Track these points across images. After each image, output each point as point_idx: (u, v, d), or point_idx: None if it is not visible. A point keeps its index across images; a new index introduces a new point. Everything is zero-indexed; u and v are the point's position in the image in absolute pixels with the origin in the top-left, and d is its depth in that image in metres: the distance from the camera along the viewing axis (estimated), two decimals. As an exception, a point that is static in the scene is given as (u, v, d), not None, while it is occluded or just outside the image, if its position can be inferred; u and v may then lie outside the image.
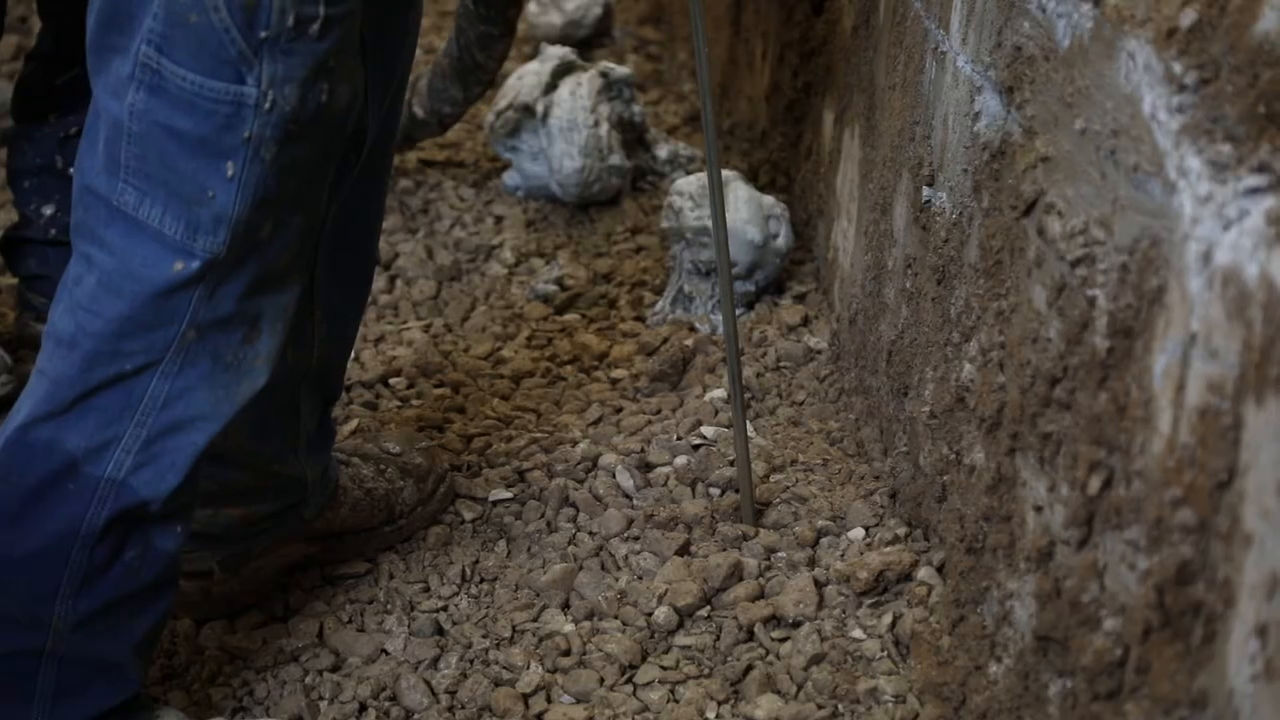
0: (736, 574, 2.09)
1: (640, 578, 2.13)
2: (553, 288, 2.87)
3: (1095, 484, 1.50)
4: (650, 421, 2.45)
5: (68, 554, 1.71)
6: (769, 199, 2.77)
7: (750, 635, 2.02)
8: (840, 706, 1.90)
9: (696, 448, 2.35)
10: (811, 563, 2.12)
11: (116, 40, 1.64)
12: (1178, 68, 1.35)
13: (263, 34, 1.60)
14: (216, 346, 1.71)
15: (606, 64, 3.21)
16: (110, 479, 1.70)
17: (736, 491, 2.25)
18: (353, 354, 2.69)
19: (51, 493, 1.71)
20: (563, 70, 3.15)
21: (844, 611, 2.03)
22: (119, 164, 1.65)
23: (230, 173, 1.64)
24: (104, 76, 1.67)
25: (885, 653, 1.96)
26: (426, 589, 2.15)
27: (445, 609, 2.11)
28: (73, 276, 1.71)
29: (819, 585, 2.06)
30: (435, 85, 3.06)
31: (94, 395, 1.69)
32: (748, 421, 2.43)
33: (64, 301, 1.72)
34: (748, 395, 2.49)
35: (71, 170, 1.83)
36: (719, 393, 2.49)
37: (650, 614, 2.05)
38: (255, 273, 1.70)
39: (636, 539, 2.20)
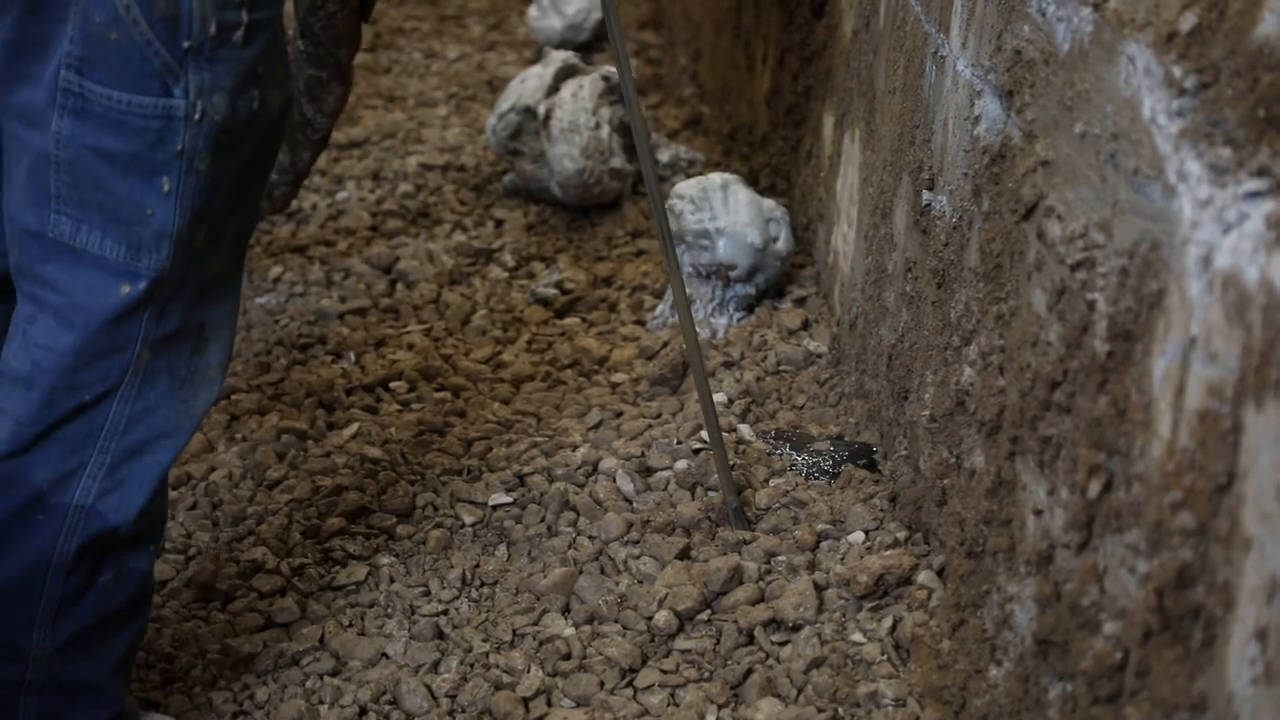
0: (736, 578, 2.09)
1: (640, 581, 2.13)
2: (553, 291, 2.87)
3: (1095, 487, 1.50)
4: (650, 425, 2.45)
5: (42, 583, 1.71)
6: (769, 202, 2.77)
7: (750, 639, 2.02)
8: (840, 710, 1.90)
9: (697, 452, 2.35)
10: (811, 566, 2.12)
11: (27, 69, 1.60)
12: (1178, 71, 1.36)
13: (186, 44, 1.58)
14: (170, 363, 1.71)
15: (608, 68, 3.22)
16: (78, 506, 1.70)
17: (736, 494, 2.25)
18: (354, 357, 2.69)
19: (21, 525, 1.70)
20: (565, 74, 3.15)
21: (844, 615, 2.03)
22: (49, 195, 1.62)
23: (166, 188, 1.62)
24: (15, 108, 1.63)
25: (885, 656, 1.96)
26: (427, 593, 2.15)
27: (446, 613, 2.11)
28: (24, 315, 1.69)
29: (819, 589, 2.06)
30: None
31: (57, 429, 1.69)
32: (747, 425, 2.43)
33: (17, 339, 1.70)
34: (748, 399, 2.49)
35: None
36: (719, 396, 2.49)
37: (650, 618, 2.05)
38: (197, 284, 1.70)
39: (636, 543, 2.20)
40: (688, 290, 2.74)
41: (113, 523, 1.71)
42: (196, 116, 1.60)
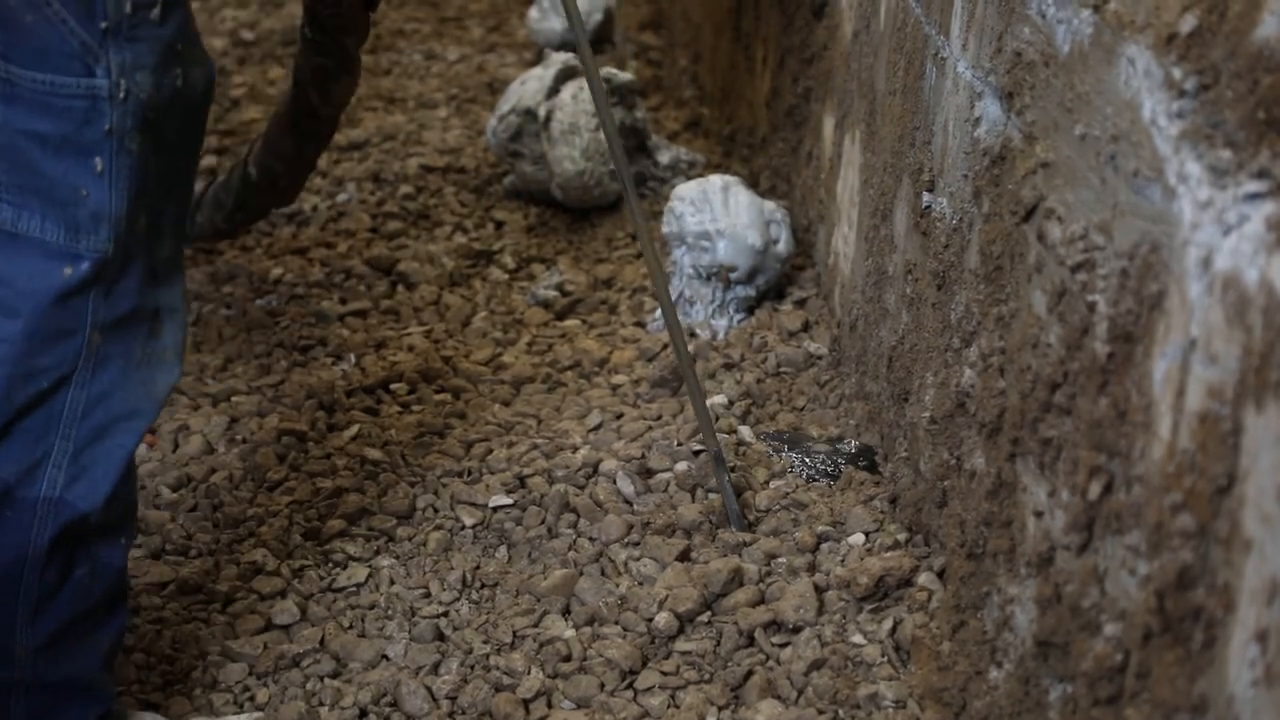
0: (737, 579, 2.09)
1: (641, 583, 2.13)
2: (553, 293, 2.87)
3: (1095, 489, 1.50)
4: (650, 427, 2.45)
5: (19, 580, 1.71)
6: (770, 204, 2.77)
7: (750, 641, 2.02)
8: (841, 712, 1.90)
9: (697, 453, 2.35)
10: (812, 568, 2.12)
11: None
12: (1178, 73, 1.36)
13: (103, 24, 1.60)
14: (125, 346, 1.71)
15: (609, 69, 3.22)
16: (46, 498, 1.70)
17: (735, 496, 2.25)
18: (354, 359, 2.69)
19: None
20: (565, 75, 3.15)
21: (844, 617, 2.03)
22: None
23: (99, 168, 1.64)
24: None
25: (885, 658, 1.96)
26: (427, 595, 2.15)
27: (446, 614, 2.11)
28: None
29: (819, 591, 2.06)
30: (271, 136, 2.70)
31: (18, 420, 1.69)
32: (748, 427, 2.43)
33: None
34: (748, 401, 2.49)
35: None
36: (720, 398, 2.49)
37: (651, 619, 2.05)
38: (147, 267, 1.71)
39: (637, 545, 2.20)
40: (688, 292, 2.74)
41: (82, 510, 1.71)
42: (121, 95, 1.62)
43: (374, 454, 2.42)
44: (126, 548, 1.79)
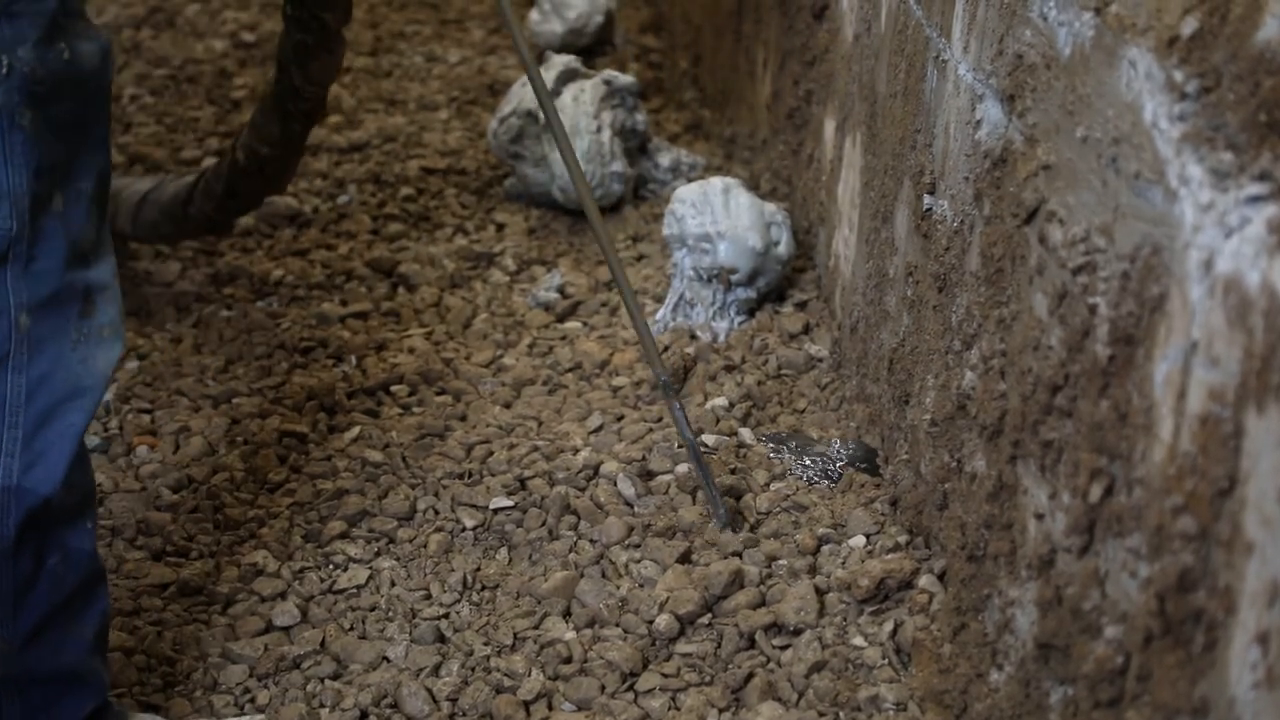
0: (737, 581, 2.09)
1: (641, 585, 2.13)
2: (554, 295, 2.87)
3: (1096, 491, 1.50)
4: (651, 429, 2.45)
5: None
6: (770, 206, 2.77)
7: (751, 643, 2.02)
8: (841, 714, 1.90)
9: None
10: (812, 570, 2.12)
11: None
12: (1179, 76, 1.36)
13: None
14: (56, 327, 1.72)
15: (610, 72, 3.22)
16: (5, 487, 1.70)
17: (728, 496, 2.25)
18: (355, 360, 2.69)
19: None
20: (566, 77, 3.15)
21: (845, 619, 2.03)
22: None
23: None
24: None
25: (886, 660, 1.96)
26: (428, 596, 2.15)
27: (447, 616, 2.11)
28: None
29: (820, 593, 2.06)
30: (256, 120, 2.67)
31: None
32: (748, 429, 2.43)
33: None
34: (749, 403, 2.49)
35: None
36: (720, 400, 2.50)
37: (651, 621, 2.05)
38: (65, 246, 1.71)
39: (637, 546, 2.20)
40: (689, 294, 2.74)
41: (43, 494, 1.71)
42: (4, 71, 1.63)
43: (375, 456, 2.42)
44: (93, 531, 1.79)
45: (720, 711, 1.92)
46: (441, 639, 2.08)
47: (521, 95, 3.15)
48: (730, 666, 1.99)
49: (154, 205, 2.81)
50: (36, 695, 1.77)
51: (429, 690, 1.98)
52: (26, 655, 1.75)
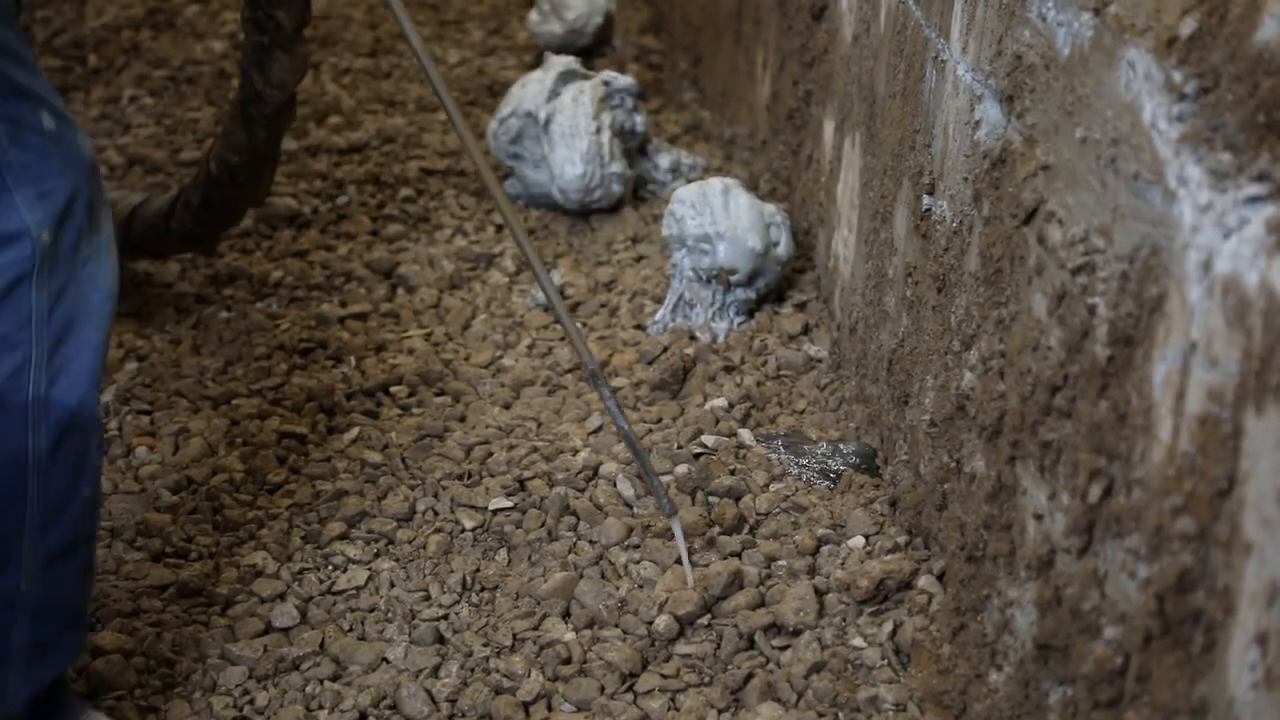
0: (737, 582, 2.09)
1: (640, 586, 2.13)
2: (554, 296, 2.87)
3: (1096, 492, 1.50)
4: (650, 430, 2.45)
5: (23, 487, 1.73)
6: (770, 207, 2.77)
7: (751, 644, 2.02)
8: (841, 715, 1.90)
9: (697, 456, 2.35)
10: (812, 571, 2.12)
11: None
12: (1178, 76, 1.36)
13: None
14: (70, 243, 1.75)
15: (609, 73, 3.22)
16: (35, 400, 1.73)
17: (727, 497, 2.25)
18: (354, 362, 2.69)
19: None
20: (566, 78, 3.15)
21: (844, 620, 2.03)
22: None
23: None
24: None
25: (886, 661, 1.96)
26: (427, 597, 2.15)
27: (446, 617, 2.11)
28: None
29: (819, 593, 2.06)
30: (226, 128, 2.64)
31: None
32: (748, 430, 2.43)
33: None
34: (748, 404, 2.49)
35: None
36: (720, 401, 2.50)
37: (651, 622, 2.05)
38: (61, 163, 1.74)
39: (637, 547, 2.20)
40: (688, 295, 2.74)
41: (71, 406, 1.74)
42: None
43: (374, 457, 2.42)
44: (102, 462, 1.83)
45: (720, 712, 1.92)
46: (441, 640, 2.08)
47: (521, 96, 3.15)
48: (730, 667, 1.99)
49: (141, 220, 2.80)
50: (49, 627, 1.78)
51: (428, 691, 1.98)
52: (47, 576, 1.76)
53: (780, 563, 2.14)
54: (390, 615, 2.12)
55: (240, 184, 2.68)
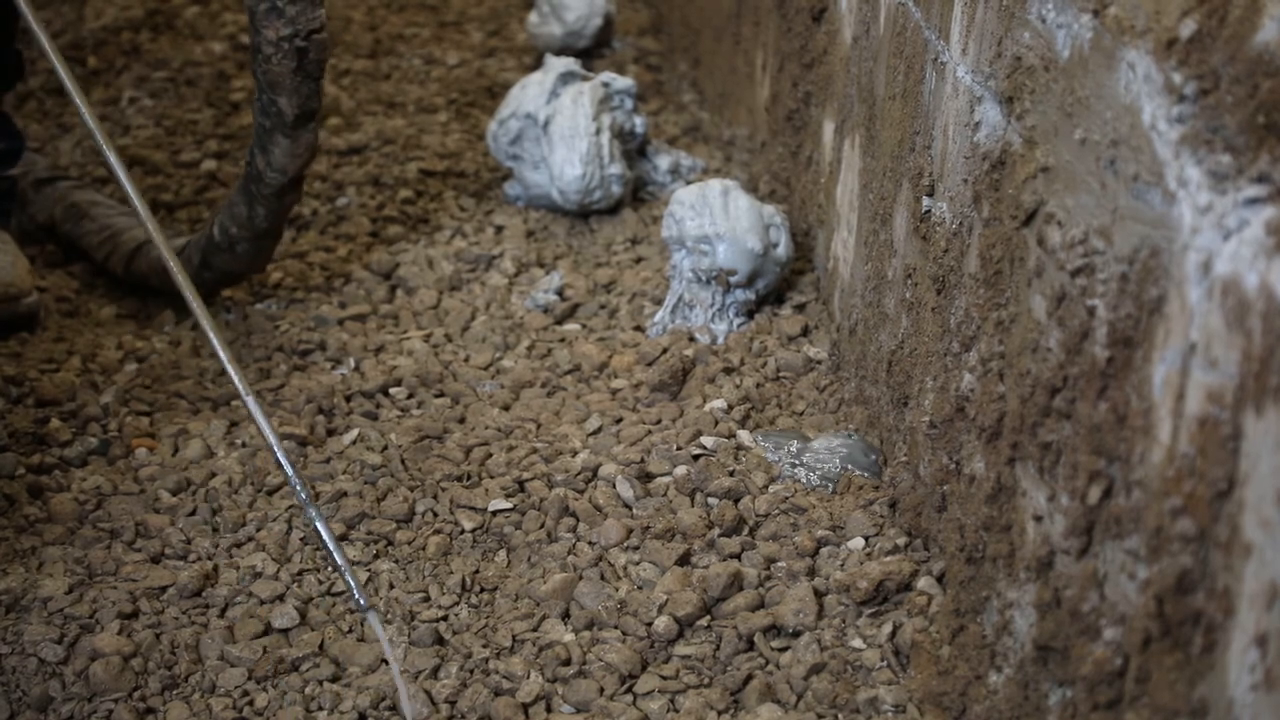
0: (736, 584, 2.09)
1: (640, 587, 2.13)
2: (553, 298, 2.87)
3: (1095, 493, 1.50)
4: (650, 431, 2.45)
5: None
6: (769, 208, 2.77)
7: (750, 645, 2.02)
8: (840, 716, 1.90)
9: (696, 458, 2.35)
10: (811, 572, 2.12)
11: None
12: (1177, 78, 1.36)
13: None
14: None
15: (609, 74, 3.22)
16: None
17: (726, 499, 2.25)
18: (353, 363, 2.69)
19: None
20: (565, 80, 3.15)
21: (844, 621, 2.03)
22: None
23: None
24: None
25: (885, 662, 1.96)
26: (426, 598, 2.15)
27: (445, 618, 2.11)
28: None
29: (819, 595, 2.06)
30: (231, 197, 2.69)
31: None
32: (747, 431, 2.43)
33: None
34: (747, 405, 2.49)
35: None
36: (719, 403, 2.50)
37: (650, 624, 2.05)
38: None
39: (636, 549, 2.20)
40: (687, 296, 2.74)
41: None
42: None
43: (373, 458, 2.42)
44: None
45: (719, 713, 1.92)
46: (440, 641, 2.08)
47: (520, 97, 3.15)
48: (729, 668, 1.99)
49: (145, 258, 2.84)
50: None
51: (427, 693, 1.97)
52: None
53: (780, 564, 2.14)
54: (389, 616, 2.12)
55: (239, 254, 2.72)
